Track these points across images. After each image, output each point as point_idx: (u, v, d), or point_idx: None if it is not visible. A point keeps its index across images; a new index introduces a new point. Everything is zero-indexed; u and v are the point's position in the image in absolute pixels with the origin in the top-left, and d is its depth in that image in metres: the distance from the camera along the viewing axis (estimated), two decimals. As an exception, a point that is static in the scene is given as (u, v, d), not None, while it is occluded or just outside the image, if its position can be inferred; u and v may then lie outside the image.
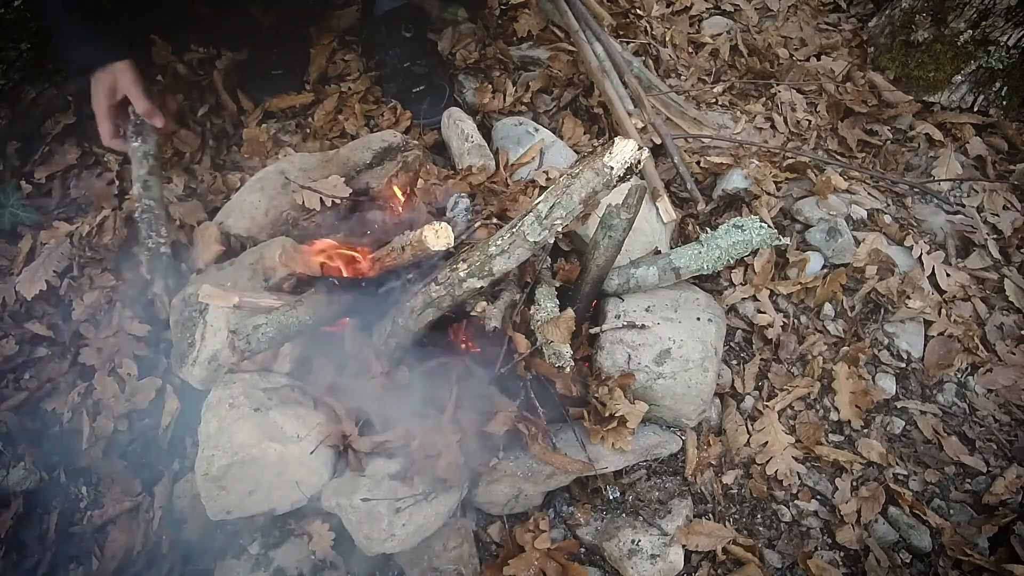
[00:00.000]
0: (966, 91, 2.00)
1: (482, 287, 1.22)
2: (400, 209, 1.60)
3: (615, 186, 1.09)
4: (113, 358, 1.52)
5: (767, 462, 1.46)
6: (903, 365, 1.61)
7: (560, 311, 1.35)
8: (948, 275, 1.69)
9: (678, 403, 1.40)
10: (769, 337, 1.61)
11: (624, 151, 1.06)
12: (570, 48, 2.02)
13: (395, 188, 1.60)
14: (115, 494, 1.39)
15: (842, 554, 1.40)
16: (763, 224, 1.43)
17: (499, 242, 1.17)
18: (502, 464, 1.31)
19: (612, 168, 1.06)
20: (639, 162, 1.07)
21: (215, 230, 1.56)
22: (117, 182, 1.74)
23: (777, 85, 2.08)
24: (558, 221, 1.11)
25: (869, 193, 1.84)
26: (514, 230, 1.15)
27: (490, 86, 1.98)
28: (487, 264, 1.18)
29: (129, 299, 1.57)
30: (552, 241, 1.17)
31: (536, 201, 1.13)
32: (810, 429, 1.51)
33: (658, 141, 1.80)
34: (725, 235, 1.44)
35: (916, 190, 1.88)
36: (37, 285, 1.56)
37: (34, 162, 1.76)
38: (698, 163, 1.84)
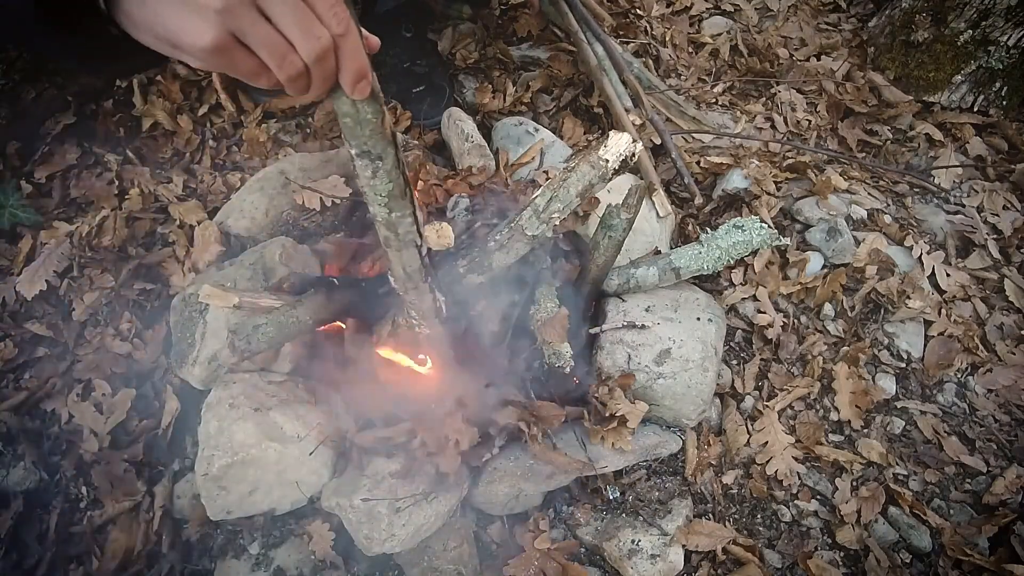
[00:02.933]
0: (966, 91, 2.00)
1: (482, 284, 1.22)
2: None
3: (611, 179, 1.10)
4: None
5: (767, 462, 1.46)
6: (903, 365, 1.61)
7: (560, 311, 1.34)
8: (948, 275, 1.69)
9: (678, 403, 1.40)
10: (769, 337, 1.61)
11: (619, 144, 1.07)
12: (570, 48, 2.02)
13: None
14: (115, 494, 1.39)
15: (842, 554, 1.39)
16: (763, 224, 1.43)
17: (498, 237, 1.17)
18: (502, 464, 1.31)
19: (607, 161, 1.06)
20: (634, 155, 1.08)
21: (215, 230, 1.56)
22: (117, 182, 1.74)
23: (777, 85, 2.08)
24: (555, 214, 1.11)
25: (869, 193, 1.84)
26: (512, 224, 1.15)
27: (490, 86, 1.98)
28: (487, 261, 1.19)
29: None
30: (550, 235, 1.17)
31: (534, 195, 1.13)
32: (810, 429, 1.51)
33: (657, 141, 1.81)
34: (725, 235, 1.44)
35: (917, 190, 1.88)
36: (37, 285, 1.56)
37: (34, 162, 1.76)
38: (698, 163, 1.84)
